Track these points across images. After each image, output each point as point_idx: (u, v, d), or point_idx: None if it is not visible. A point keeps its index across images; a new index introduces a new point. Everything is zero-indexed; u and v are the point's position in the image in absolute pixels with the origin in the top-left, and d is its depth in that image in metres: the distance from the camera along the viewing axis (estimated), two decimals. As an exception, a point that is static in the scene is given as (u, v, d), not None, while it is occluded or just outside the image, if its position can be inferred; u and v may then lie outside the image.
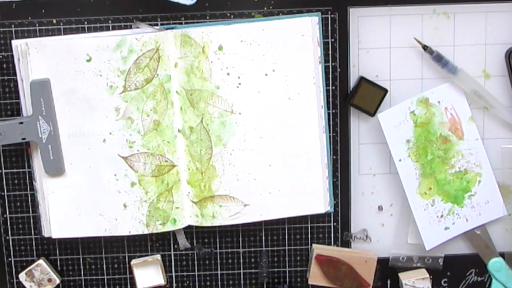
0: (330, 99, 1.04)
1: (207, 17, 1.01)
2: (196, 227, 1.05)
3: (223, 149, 1.02)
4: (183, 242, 1.04)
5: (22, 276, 1.05)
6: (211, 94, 1.01)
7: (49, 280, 1.05)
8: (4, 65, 1.01)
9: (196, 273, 1.01)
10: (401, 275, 1.08)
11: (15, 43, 0.98)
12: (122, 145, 1.01)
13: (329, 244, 1.08)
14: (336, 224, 1.07)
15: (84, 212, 1.02)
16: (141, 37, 0.99)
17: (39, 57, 0.98)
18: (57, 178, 1.00)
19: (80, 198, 1.01)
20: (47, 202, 1.01)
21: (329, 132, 1.04)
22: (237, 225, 1.04)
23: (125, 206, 1.02)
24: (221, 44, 1.00)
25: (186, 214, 1.03)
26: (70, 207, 1.01)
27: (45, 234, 1.02)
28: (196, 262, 1.07)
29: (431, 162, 1.04)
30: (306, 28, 0.99)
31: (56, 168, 1.00)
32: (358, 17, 1.02)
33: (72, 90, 0.99)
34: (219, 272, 1.08)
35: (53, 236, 1.02)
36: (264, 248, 1.08)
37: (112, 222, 1.02)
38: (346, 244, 1.08)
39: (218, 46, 1.00)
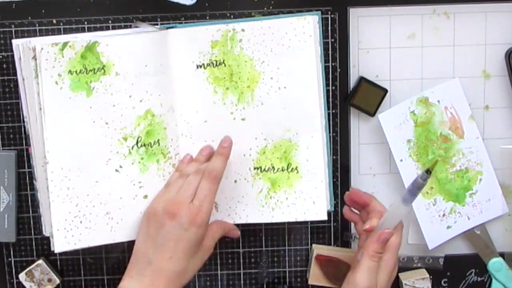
0: (330, 99, 1.04)
1: (207, 17, 1.01)
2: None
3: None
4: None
5: (22, 276, 1.04)
6: (212, 93, 1.01)
7: (49, 280, 1.05)
8: (4, 65, 1.01)
9: (196, 273, 1.01)
10: (401, 275, 1.07)
11: (15, 42, 0.97)
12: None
13: (329, 244, 1.07)
14: (336, 224, 1.07)
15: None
16: None
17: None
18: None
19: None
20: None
21: (329, 132, 1.04)
22: (237, 225, 1.04)
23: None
24: (222, 44, 1.00)
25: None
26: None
27: (46, 233, 1.02)
28: (196, 262, 1.07)
29: (432, 162, 1.04)
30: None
31: (8, 236, 1.03)
32: (358, 17, 1.02)
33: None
34: (219, 272, 1.08)
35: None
36: (264, 248, 1.08)
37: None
38: (346, 244, 1.08)
39: (219, 46, 1.00)
